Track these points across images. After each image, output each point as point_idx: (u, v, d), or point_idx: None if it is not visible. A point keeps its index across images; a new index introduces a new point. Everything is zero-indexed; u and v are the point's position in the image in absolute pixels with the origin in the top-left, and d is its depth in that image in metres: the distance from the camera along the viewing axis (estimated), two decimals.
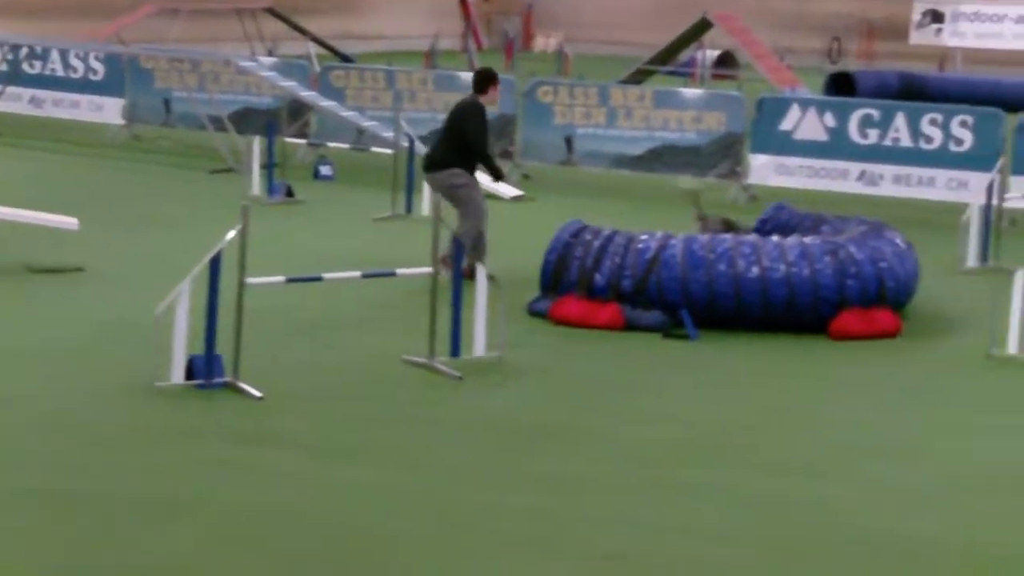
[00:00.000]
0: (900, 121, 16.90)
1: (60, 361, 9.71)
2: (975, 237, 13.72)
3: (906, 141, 16.85)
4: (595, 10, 41.56)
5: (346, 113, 18.46)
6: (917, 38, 35.56)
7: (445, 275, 10.18)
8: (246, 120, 19.55)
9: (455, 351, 9.83)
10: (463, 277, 9.96)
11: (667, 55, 27.85)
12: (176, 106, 20.33)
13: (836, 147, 17.12)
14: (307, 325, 10.87)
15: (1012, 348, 10.51)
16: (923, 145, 16.78)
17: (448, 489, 7.62)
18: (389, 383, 9.48)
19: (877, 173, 16.95)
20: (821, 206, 14.24)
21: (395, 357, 9.93)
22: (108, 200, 16.00)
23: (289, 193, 16.23)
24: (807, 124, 17.26)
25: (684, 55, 29.90)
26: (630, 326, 10.95)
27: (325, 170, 17.93)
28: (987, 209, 13.87)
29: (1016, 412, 9.42)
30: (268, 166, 16.35)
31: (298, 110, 19.22)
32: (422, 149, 15.25)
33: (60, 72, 21.31)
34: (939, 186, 16.67)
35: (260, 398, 8.93)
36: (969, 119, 16.66)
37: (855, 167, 17.05)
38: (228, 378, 9.10)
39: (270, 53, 28.13)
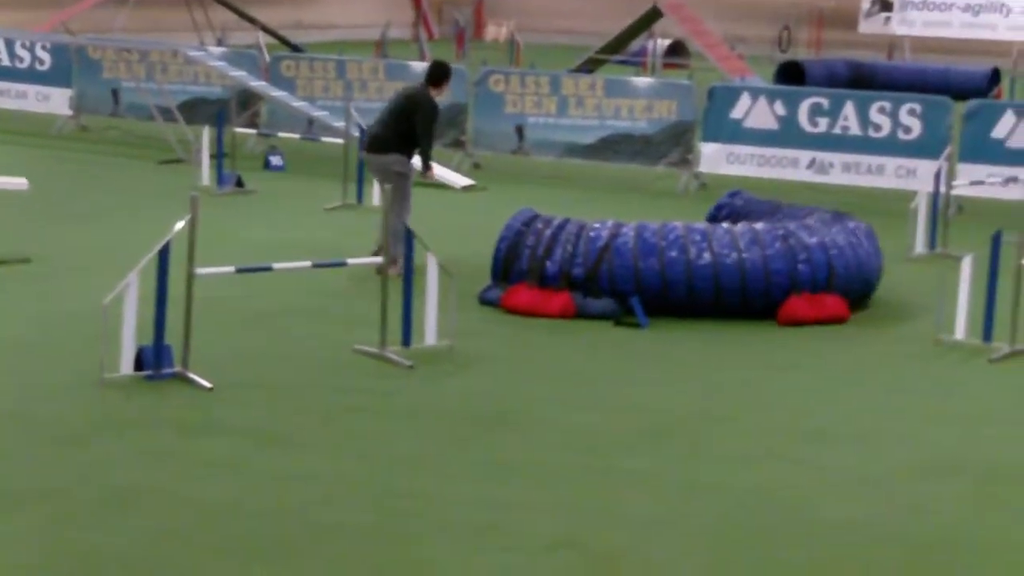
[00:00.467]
0: (849, 109, 17.00)
1: (6, 354, 9.62)
2: (923, 224, 13.82)
3: (855, 129, 16.95)
4: None
5: (296, 103, 18.39)
6: (866, 27, 35.76)
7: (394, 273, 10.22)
8: (195, 110, 19.45)
9: (406, 340, 9.82)
10: (380, 273, 9.87)
11: (618, 44, 27.89)
12: (125, 96, 20.20)
13: (786, 136, 17.20)
14: (258, 315, 10.83)
15: (960, 334, 10.59)
16: (872, 133, 16.88)
17: (394, 478, 7.61)
18: (340, 373, 9.46)
19: (827, 161, 17.04)
20: (772, 194, 14.29)
21: (346, 347, 9.90)
22: (56, 191, 15.88)
23: (239, 183, 16.15)
24: (757, 113, 17.34)
25: (635, 44, 29.94)
26: (581, 314, 10.97)
27: (275, 160, 17.86)
28: (935, 196, 13.97)
29: (963, 397, 9.49)
30: (218, 156, 16.27)
31: (248, 100, 19.13)
32: None
33: (6, 62, 21.12)
34: (888, 174, 16.78)
35: (210, 388, 8.89)
36: (917, 107, 16.77)
37: (805, 155, 17.13)
38: (177, 368, 9.06)
39: (219, 43, 27.97)
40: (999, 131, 16.33)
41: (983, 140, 16.31)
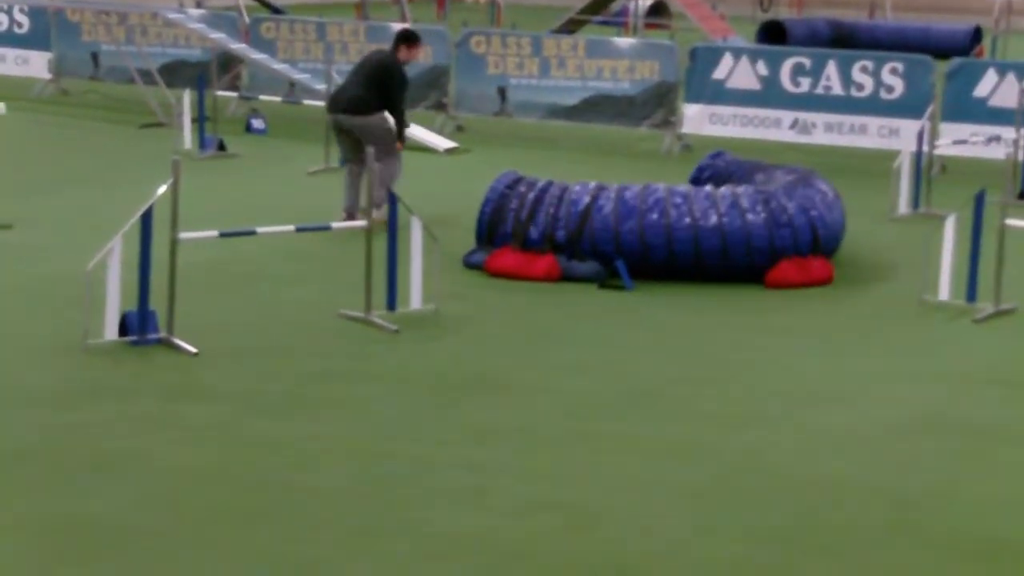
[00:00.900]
0: (832, 69, 16.97)
1: None
2: (906, 184, 13.83)
3: (837, 89, 16.93)
4: None
5: (277, 66, 18.30)
6: None
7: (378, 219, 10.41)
8: (176, 73, 19.34)
9: (391, 304, 9.81)
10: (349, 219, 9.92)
11: (599, 5, 27.81)
12: (104, 59, 20.08)
13: (769, 96, 17.18)
14: (242, 280, 10.81)
15: (944, 294, 10.62)
16: (854, 93, 16.86)
17: (379, 442, 7.62)
18: (325, 338, 9.45)
19: (810, 121, 17.03)
20: (755, 155, 14.29)
21: (331, 311, 9.89)
22: (36, 156, 15.80)
23: (221, 147, 16.08)
24: (740, 73, 17.30)
25: (616, 4, 29.85)
26: (566, 277, 10.97)
27: (257, 124, 17.78)
28: (918, 156, 13.98)
29: (947, 357, 9.53)
30: (199, 120, 16.19)
31: (228, 63, 19.03)
32: None
33: None
34: (871, 133, 16.78)
35: (195, 354, 8.87)
36: (899, 66, 16.76)
37: (788, 115, 17.12)
38: (162, 334, 9.04)
39: (198, 4, 27.79)
40: (981, 90, 16.32)
41: (965, 99, 16.31)
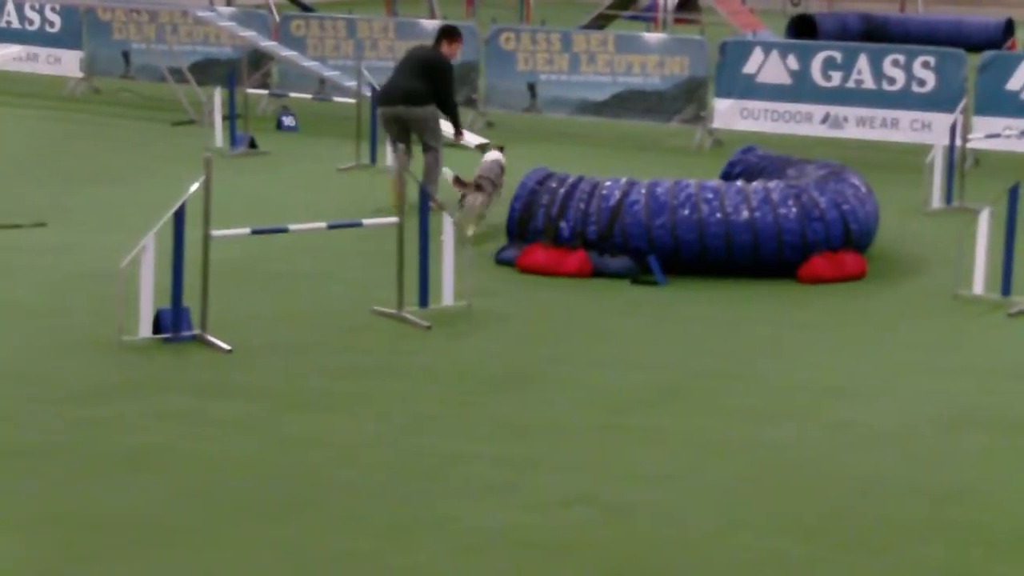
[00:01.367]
0: (863, 63, 16.90)
1: (25, 316, 9.65)
2: (939, 178, 13.76)
3: (869, 83, 16.86)
4: None
5: (307, 63, 18.33)
6: None
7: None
8: (207, 71, 19.39)
9: (423, 301, 9.83)
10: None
11: (628, 0, 27.74)
12: (135, 58, 20.15)
13: (800, 90, 17.11)
14: (274, 277, 10.84)
15: (977, 288, 10.56)
16: (886, 87, 16.79)
17: (412, 438, 7.63)
18: (358, 334, 9.47)
19: (841, 116, 16.96)
20: (786, 150, 14.24)
21: (364, 308, 9.91)
22: (70, 154, 15.88)
23: (252, 144, 16.13)
24: (770, 68, 17.25)
25: (645, 0, 29.78)
26: (598, 273, 10.96)
27: (288, 121, 17.82)
28: (951, 150, 13.91)
29: (981, 352, 9.48)
30: (230, 117, 16.24)
31: (259, 60, 19.08)
32: None
33: (16, 24, 21.06)
34: (903, 127, 16.70)
35: (229, 351, 8.90)
36: (931, 60, 16.68)
37: (819, 110, 17.05)
38: (196, 331, 9.08)
39: (229, 3, 27.87)
40: (1014, 83, 16.22)
41: (998, 92, 16.21)
